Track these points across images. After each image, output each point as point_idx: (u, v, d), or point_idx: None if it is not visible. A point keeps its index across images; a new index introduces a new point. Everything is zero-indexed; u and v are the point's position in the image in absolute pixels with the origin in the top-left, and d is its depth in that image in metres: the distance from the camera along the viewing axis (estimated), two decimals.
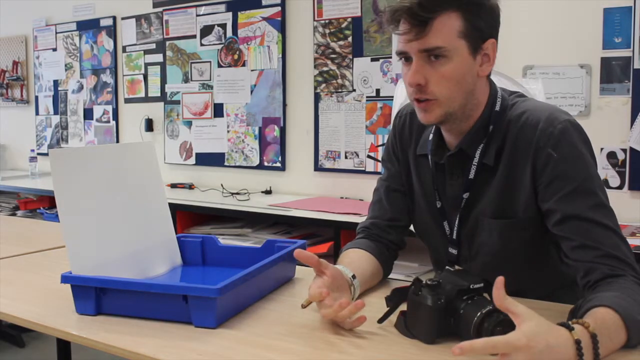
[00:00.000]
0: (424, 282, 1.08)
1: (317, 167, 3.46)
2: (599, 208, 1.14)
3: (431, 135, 1.33)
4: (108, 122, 4.47)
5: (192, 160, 4.01)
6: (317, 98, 3.43)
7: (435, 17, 1.14)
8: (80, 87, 4.62)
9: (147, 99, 4.23)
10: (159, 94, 4.16)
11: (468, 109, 1.23)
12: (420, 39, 1.15)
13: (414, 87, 1.19)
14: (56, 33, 4.73)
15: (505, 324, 0.98)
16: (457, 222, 1.30)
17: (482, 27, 1.18)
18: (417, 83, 1.17)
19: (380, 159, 3.21)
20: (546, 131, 1.17)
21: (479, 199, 1.27)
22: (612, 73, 2.58)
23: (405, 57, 1.20)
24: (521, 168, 1.21)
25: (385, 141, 3.12)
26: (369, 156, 3.26)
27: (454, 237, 1.32)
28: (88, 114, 4.58)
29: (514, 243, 1.26)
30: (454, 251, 1.33)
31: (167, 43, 4.07)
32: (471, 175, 1.26)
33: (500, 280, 0.89)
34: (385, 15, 1.19)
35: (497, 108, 1.25)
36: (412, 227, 1.50)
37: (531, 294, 1.28)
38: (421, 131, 1.38)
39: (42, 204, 4.20)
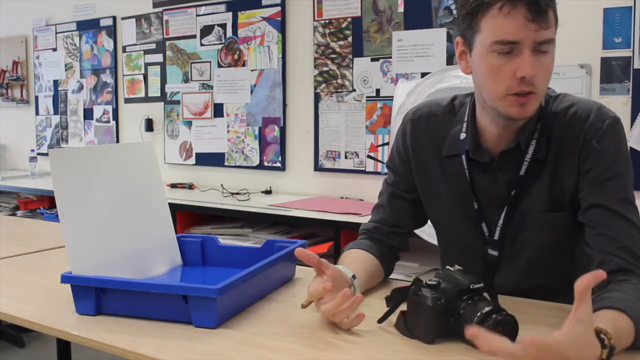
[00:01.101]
0: (424, 282, 1.08)
1: (317, 167, 3.46)
2: (626, 203, 1.17)
3: (463, 135, 1.29)
4: (108, 122, 4.47)
5: (192, 160, 4.01)
6: (317, 98, 3.43)
7: (551, 8, 1.14)
8: (80, 87, 4.61)
9: (147, 99, 4.23)
10: (159, 94, 4.16)
11: None
12: (541, 30, 1.12)
13: (529, 79, 1.13)
14: (56, 33, 4.73)
15: (504, 324, 0.98)
16: (501, 222, 1.28)
17: None
18: (533, 75, 1.13)
19: (380, 158, 3.21)
20: (595, 125, 1.19)
21: (526, 195, 1.25)
22: (612, 73, 2.58)
23: (505, 49, 1.13)
24: (569, 160, 1.22)
25: (385, 141, 3.15)
26: (369, 156, 3.26)
27: (496, 237, 1.29)
28: (88, 114, 4.58)
29: (564, 236, 1.26)
30: (495, 252, 1.30)
31: (167, 43, 4.07)
32: (522, 172, 1.24)
33: (600, 275, 0.85)
34: (496, 2, 1.12)
35: (542, 103, 1.25)
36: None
37: (568, 292, 1.28)
38: (443, 132, 1.34)
39: (42, 204, 4.20)
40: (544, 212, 1.25)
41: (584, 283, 0.85)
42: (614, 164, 1.18)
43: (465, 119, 1.30)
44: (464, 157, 1.30)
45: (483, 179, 1.29)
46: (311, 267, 1.19)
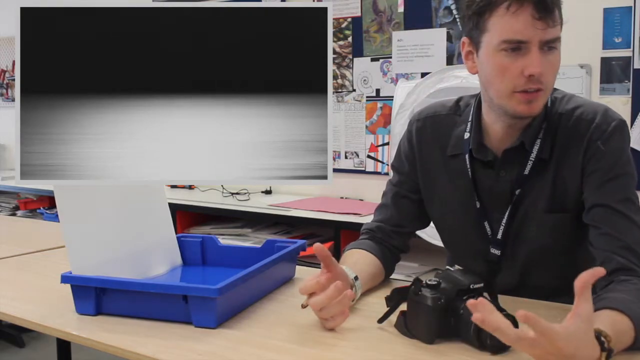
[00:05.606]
0: (424, 282, 1.08)
1: None
2: (629, 203, 1.17)
3: (467, 134, 1.31)
4: None
5: None
6: None
7: (557, 7, 1.15)
8: None
9: None
10: None
11: None
12: (548, 28, 1.13)
13: (537, 76, 1.14)
14: None
15: None
16: (505, 220, 1.28)
17: None
18: (541, 73, 1.15)
19: (380, 159, 3.21)
20: (601, 127, 1.20)
21: (529, 194, 1.26)
22: (612, 73, 2.58)
23: (513, 47, 1.14)
24: (573, 161, 1.22)
25: (385, 141, 3.15)
26: (369, 156, 3.26)
27: (499, 236, 1.29)
28: None
29: (565, 237, 1.26)
30: (497, 252, 1.30)
31: None
32: (526, 171, 1.25)
33: (599, 271, 0.87)
34: (504, 1, 1.13)
35: (549, 103, 1.25)
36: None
37: (569, 292, 1.28)
38: (448, 133, 1.35)
39: (42, 204, 4.20)
40: (546, 212, 1.25)
41: (583, 280, 0.86)
42: (617, 165, 1.19)
43: (470, 119, 1.31)
44: (467, 156, 1.31)
45: (486, 177, 1.29)
46: (311, 267, 1.19)
